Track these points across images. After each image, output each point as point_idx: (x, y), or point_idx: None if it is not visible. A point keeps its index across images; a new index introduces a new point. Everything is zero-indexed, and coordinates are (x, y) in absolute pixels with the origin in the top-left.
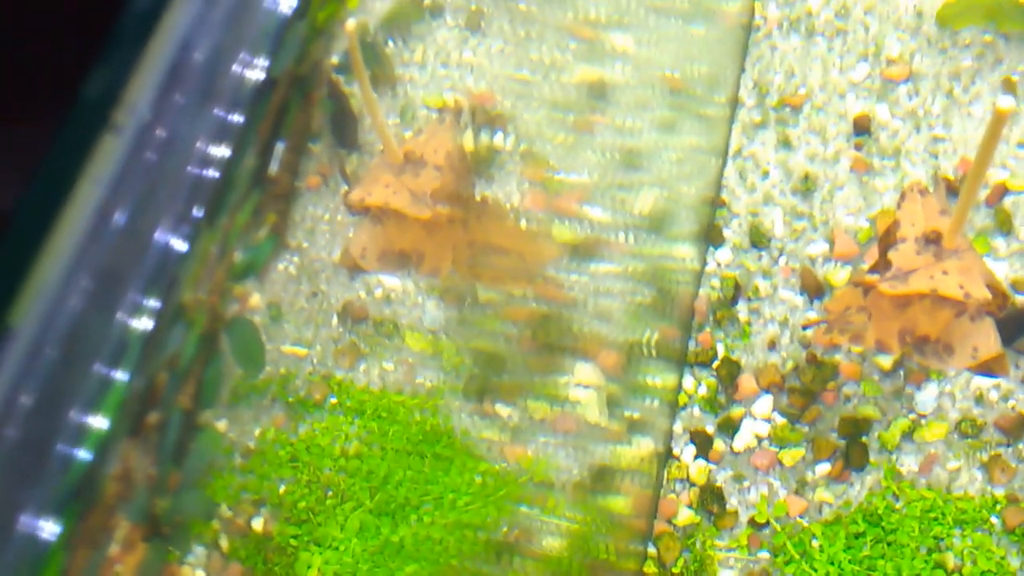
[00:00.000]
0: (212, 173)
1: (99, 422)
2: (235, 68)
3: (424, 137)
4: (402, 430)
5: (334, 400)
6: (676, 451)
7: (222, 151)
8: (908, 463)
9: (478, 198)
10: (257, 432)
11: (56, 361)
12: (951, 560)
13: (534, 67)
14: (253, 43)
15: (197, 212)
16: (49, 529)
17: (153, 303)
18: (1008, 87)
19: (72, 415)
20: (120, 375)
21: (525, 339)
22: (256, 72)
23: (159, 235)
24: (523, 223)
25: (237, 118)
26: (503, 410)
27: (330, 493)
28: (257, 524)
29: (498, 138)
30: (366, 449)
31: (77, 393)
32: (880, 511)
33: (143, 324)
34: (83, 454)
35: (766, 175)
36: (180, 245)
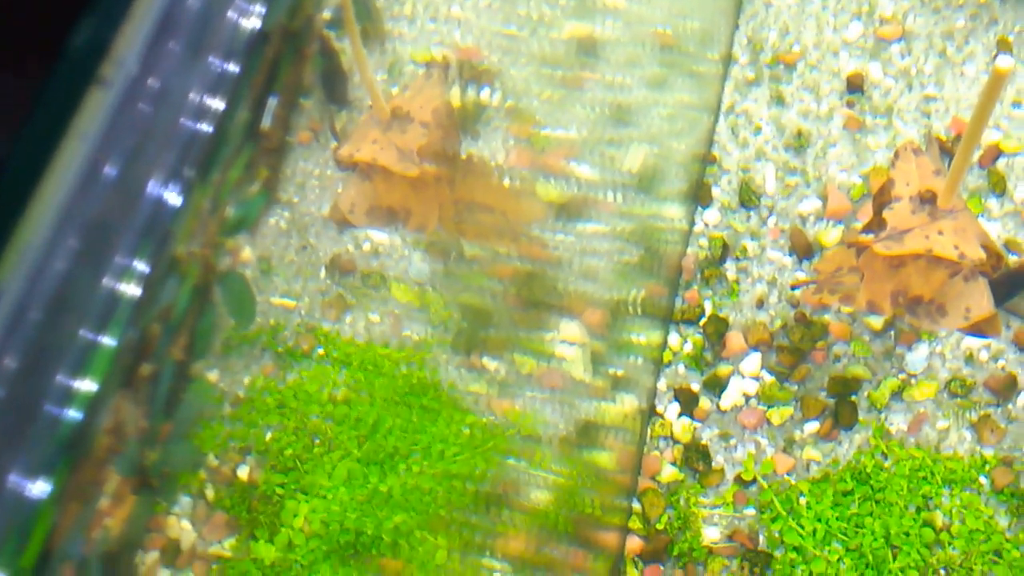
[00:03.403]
0: (205, 126)
1: (90, 377)
2: (230, 15)
3: (411, 93)
4: (388, 383)
5: (321, 351)
6: (660, 408)
7: (216, 103)
8: (897, 422)
9: (464, 156)
10: (247, 381)
11: (44, 319)
12: (939, 519)
13: (522, 22)
14: None
15: (190, 167)
16: (39, 488)
17: (146, 257)
18: (1004, 47)
19: (64, 370)
20: (112, 329)
21: (510, 295)
22: (252, 20)
23: (151, 189)
24: (508, 181)
25: (232, 68)
26: (490, 364)
27: (317, 441)
28: (243, 472)
29: (484, 94)
30: (354, 396)
31: (69, 346)
32: (868, 469)
33: (136, 278)
34: (74, 411)
35: (758, 131)
36: (173, 199)
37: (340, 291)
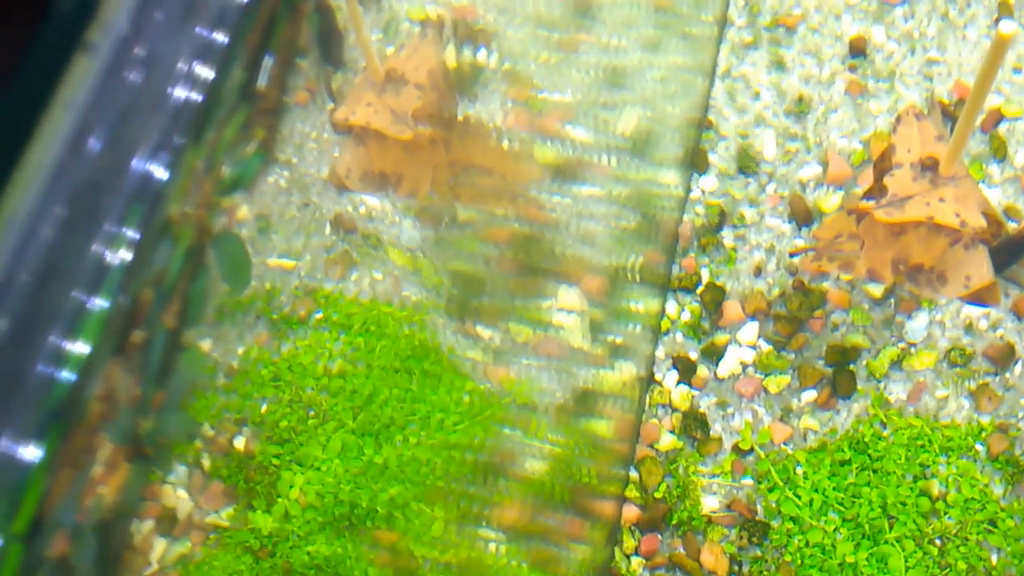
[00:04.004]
0: (198, 90)
1: (82, 340)
2: None
3: (406, 53)
4: (391, 344)
5: (319, 315)
6: (658, 376)
7: (208, 69)
8: (896, 391)
9: (460, 118)
10: (241, 351)
11: (33, 283)
12: (936, 487)
13: None
14: None
15: (183, 128)
16: (31, 452)
17: (136, 224)
18: (1005, 10)
19: (55, 333)
20: (104, 293)
21: (507, 260)
22: None
23: (142, 155)
24: (506, 143)
25: (223, 35)
26: (484, 332)
27: (312, 412)
28: (239, 443)
29: (481, 55)
30: (350, 367)
31: (59, 310)
32: (866, 439)
33: (127, 242)
34: (65, 373)
35: (757, 96)
36: (164, 163)
37: (346, 247)
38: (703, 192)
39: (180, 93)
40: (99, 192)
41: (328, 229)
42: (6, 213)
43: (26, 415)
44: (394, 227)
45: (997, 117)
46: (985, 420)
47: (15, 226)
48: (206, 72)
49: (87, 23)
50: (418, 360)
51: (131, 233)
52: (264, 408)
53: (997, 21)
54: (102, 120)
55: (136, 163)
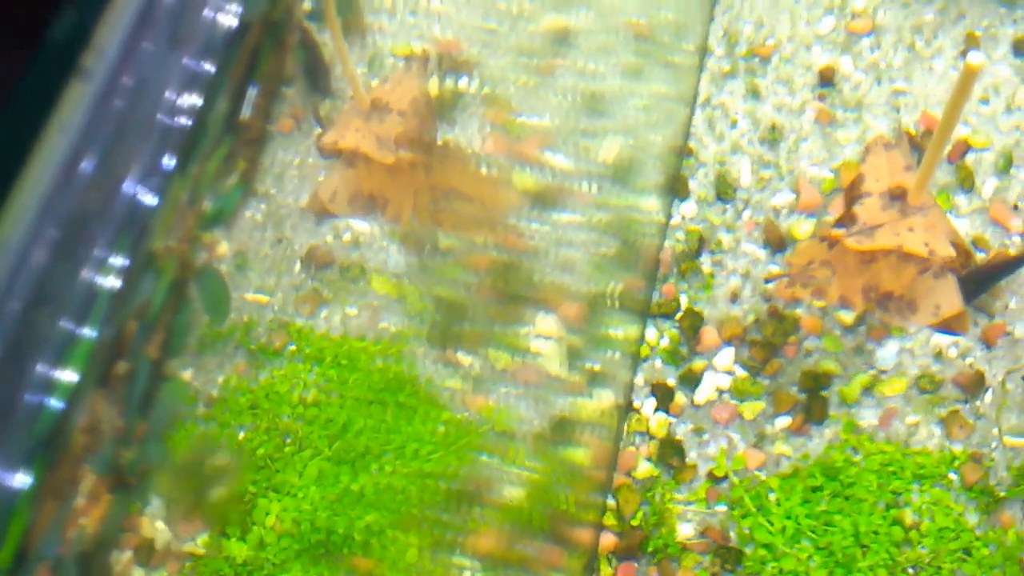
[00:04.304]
0: (184, 121)
1: (71, 368)
2: (207, 12)
3: (390, 85)
4: (363, 378)
5: (293, 347)
6: (637, 404)
7: (194, 99)
8: (867, 417)
9: (440, 142)
10: (220, 380)
11: (23, 313)
12: (909, 516)
13: (500, 16)
14: None
15: (168, 160)
16: (18, 481)
17: (123, 253)
18: (971, 42)
19: (41, 367)
20: (91, 322)
21: (486, 288)
22: (229, 18)
23: (129, 184)
24: (484, 169)
25: (210, 65)
26: (465, 359)
27: (288, 440)
28: None
29: (463, 82)
30: (324, 397)
31: (46, 344)
32: (838, 464)
33: (113, 274)
34: (53, 403)
35: (734, 124)
36: (151, 194)
37: (316, 285)
38: (683, 218)
39: (167, 121)
40: (89, 219)
41: (298, 267)
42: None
43: (14, 444)
44: (382, 252)
45: (964, 147)
46: (957, 448)
47: (8, 252)
48: (193, 100)
49: (81, 49)
50: (392, 392)
51: (120, 261)
52: (241, 436)
53: (964, 53)
54: (94, 146)
55: (125, 190)
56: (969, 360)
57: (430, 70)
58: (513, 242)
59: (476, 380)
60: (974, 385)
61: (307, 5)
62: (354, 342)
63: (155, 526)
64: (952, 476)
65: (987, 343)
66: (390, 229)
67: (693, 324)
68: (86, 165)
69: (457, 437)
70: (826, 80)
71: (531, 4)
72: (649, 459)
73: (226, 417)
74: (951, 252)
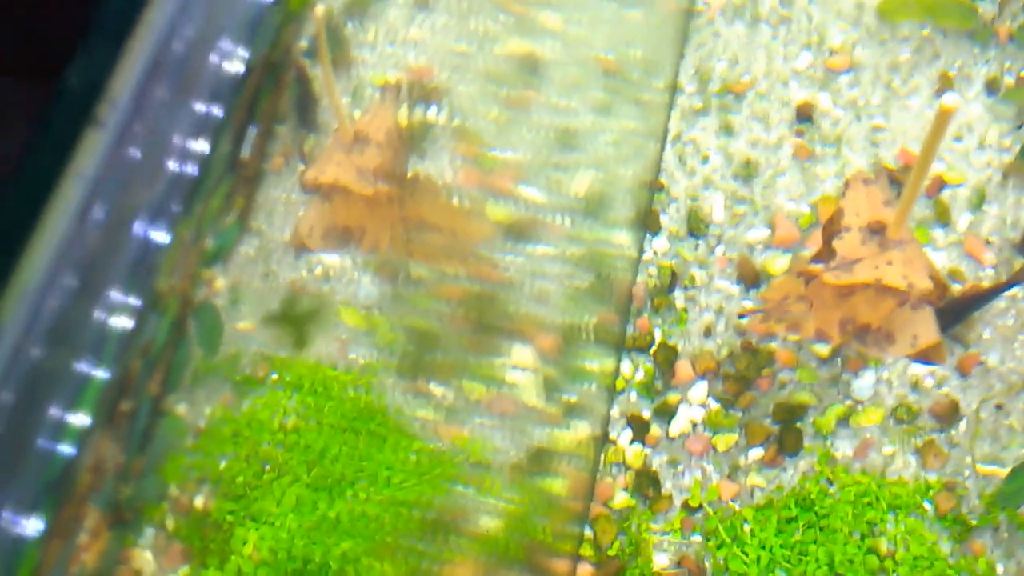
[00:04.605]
0: (191, 166)
1: (80, 417)
2: (214, 59)
3: (368, 116)
4: (337, 406)
5: (275, 376)
6: (613, 435)
7: (201, 144)
8: (843, 448)
9: (410, 175)
10: (208, 411)
11: (39, 357)
12: (884, 545)
13: (470, 38)
14: (233, 32)
15: (175, 204)
16: (31, 527)
17: (134, 294)
18: (945, 82)
19: (54, 410)
20: (102, 367)
21: (459, 318)
22: (235, 64)
23: (138, 228)
24: (456, 200)
25: (216, 111)
26: (437, 389)
27: (268, 467)
28: (199, 502)
29: (432, 112)
30: (303, 423)
31: (60, 388)
32: (813, 496)
33: (125, 315)
34: (65, 448)
35: (706, 160)
36: (159, 237)
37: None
38: (655, 253)
39: (176, 166)
40: (101, 262)
41: (281, 298)
42: (19, 287)
43: (26, 489)
44: (352, 284)
45: (940, 183)
46: (932, 478)
47: (26, 298)
48: (200, 146)
49: (96, 99)
50: (364, 421)
51: (131, 301)
52: (223, 465)
53: (939, 92)
54: (107, 192)
55: (135, 233)
56: (945, 389)
57: (401, 99)
58: (487, 273)
59: (449, 410)
60: (949, 414)
61: (303, 43)
62: (327, 370)
63: (144, 557)
64: (927, 505)
65: (962, 372)
66: (363, 261)
67: (667, 358)
68: (99, 211)
69: (431, 467)
70: (804, 116)
71: (495, 26)
72: (625, 489)
73: (211, 447)
74: (929, 285)
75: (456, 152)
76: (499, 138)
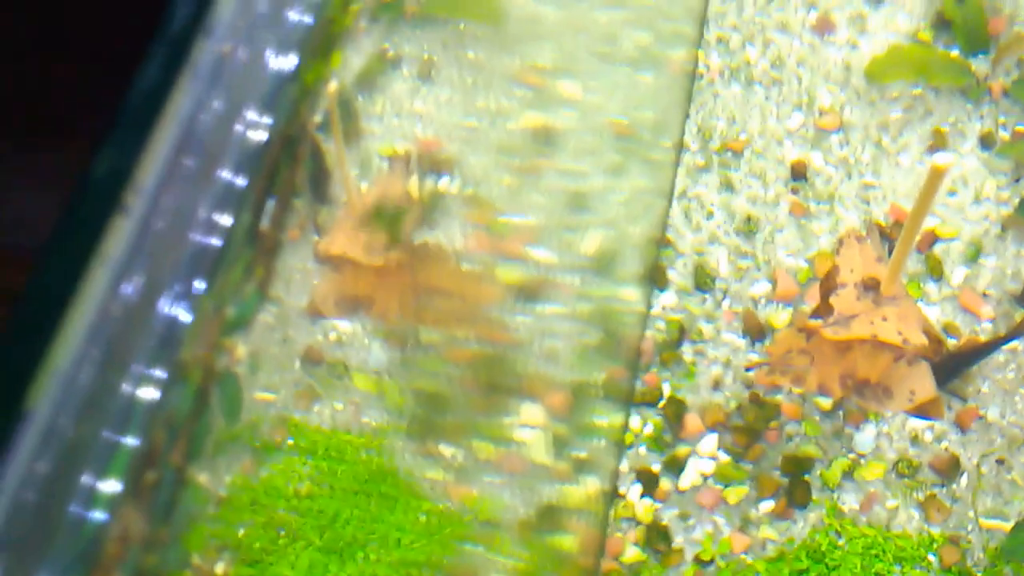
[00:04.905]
0: (215, 239)
1: (110, 484)
2: (239, 128)
3: (377, 188)
4: (350, 469)
5: (291, 441)
6: (623, 490)
7: (224, 217)
8: (849, 501)
9: (418, 242)
10: (228, 480)
11: (68, 440)
12: None
13: (480, 114)
14: (255, 105)
15: (200, 279)
16: None
17: (159, 367)
18: (939, 138)
19: (86, 476)
20: (130, 435)
21: (468, 380)
22: (259, 133)
23: (164, 304)
24: (467, 265)
25: (241, 181)
26: (447, 450)
27: (283, 532)
28: (219, 569)
29: (443, 182)
30: (317, 488)
31: (88, 463)
32: (823, 548)
33: (151, 386)
34: (97, 515)
35: (711, 216)
36: (184, 313)
37: (311, 381)
38: (663, 308)
39: (201, 240)
40: (128, 339)
41: (298, 364)
42: (53, 366)
43: (56, 562)
44: (363, 350)
45: (932, 238)
46: (935, 531)
47: (59, 376)
48: (224, 219)
49: (123, 187)
50: (376, 483)
51: (157, 374)
52: (241, 532)
53: (931, 148)
54: (134, 273)
55: (161, 309)
56: (944, 444)
57: (411, 169)
58: (497, 335)
59: (459, 471)
60: (950, 469)
61: (317, 118)
62: (341, 435)
63: None
64: (931, 558)
65: (961, 427)
66: (372, 327)
67: (676, 411)
68: (126, 290)
69: (440, 527)
70: (798, 174)
71: (509, 103)
72: (636, 544)
73: (230, 515)
74: (923, 340)
75: (468, 219)
76: (511, 204)
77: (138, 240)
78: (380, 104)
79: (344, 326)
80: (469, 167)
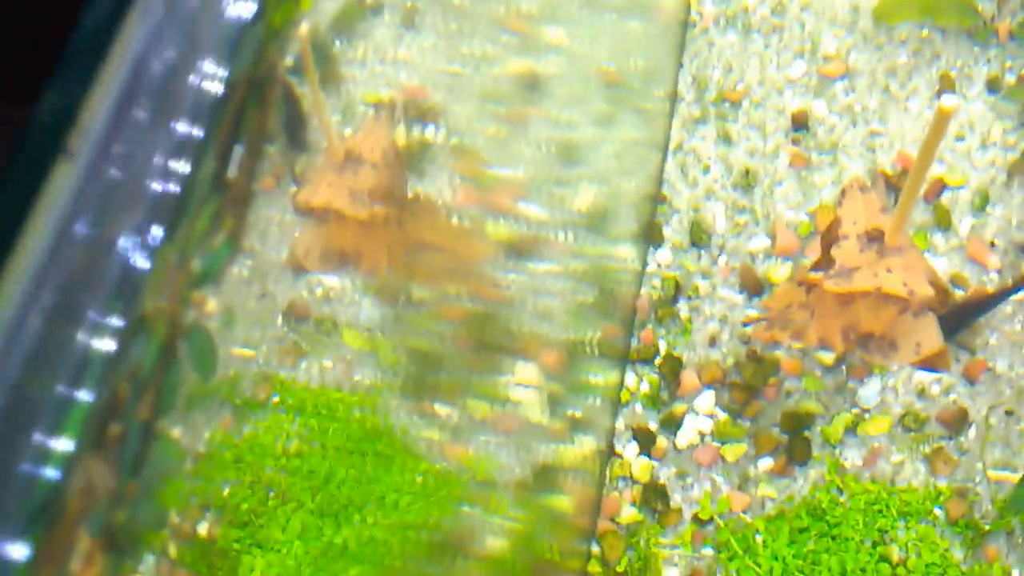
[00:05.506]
0: (173, 187)
1: (64, 442)
2: (193, 79)
3: (361, 135)
4: (342, 428)
5: (276, 399)
6: (619, 449)
7: (182, 165)
8: (852, 457)
9: (410, 195)
10: (207, 435)
11: (19, 382)
12: (895, 553)
13: (465, 60)
14: (213, 51)
15: (158, 226)
16: (17, 552)
17: (117, 316)
18: (946, 82)
19: (37, 433)
20: (85, 389)
21: (462, 338)
22: (215, 83)
23: (120, 250)
24: (456, 220)
25: (197, 131)
26: (442, 409)
27: (272, 494)
28: (202, 528)
29: (429, 131)
30: (307, 447)
31: (43, 412)
32: (824, 505)
33: (110, 334)
34: (49, 472)
35: (707, 170)
36: (142, 260)
37: (296, 338)
38: (659, 265)
39: (157, 187)
40: (82, 284)
41: (280, 320)
42: None
43: (10, 515)
44: (353, 306)
45: (940, 186)
46: (942, 484)
47: (3, 323)
48: (182, 166)
49: (67, 130)
50: (371, 442)
51: (114, 322)
52: (226, 491)
53: (939, 93)
54: (85, 215)
55: (117, 254)
56: (952, 397)
57: (397, 117)
58: (489, 292)
59: (454, 430)
60: (957, 421)
61: (289, 60)
62: (332, 393)
63: None
64: (937, 512)
65: (969, 379)
66: (363, 283)
67: (673, 369)
68: (78, 231)
69: (437, 488)
70: (799, 124)
71: (494, 48)
72: (633, 504)
73: (212, 472)
74: (930, 291)
75: (455, 171)
76: (498, 155)
77: (86, 185)
78: (361, 50)
79: (331, 281)
80: (455, 116)
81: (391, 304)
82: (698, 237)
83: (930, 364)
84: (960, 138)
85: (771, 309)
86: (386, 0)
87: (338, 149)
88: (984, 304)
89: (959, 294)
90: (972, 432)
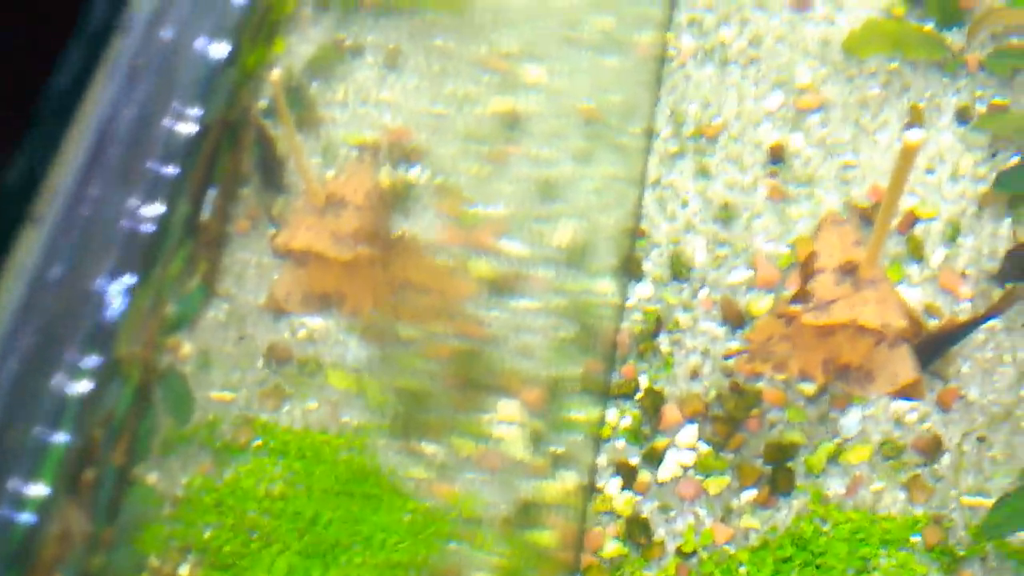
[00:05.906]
0: (147, 228)
1: (39, 488)
2: (167, 122)
3: (344, 177)
4: (329, 469)
5: (259, 442)
6: (601, 484)
7: (155, 209)
8: (834, 486)
9: (395, 235)
10: (185, 480)
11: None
12: None
13: (448, 101)
14: (185, 94)
15: (132, 270)
16: None
17: (91, 361)
18: (915, 114)
19: (13, 478)
20: (61, 434)
21: (447, 376)
22: (188, 125)
23: (95, 296)
24: (440, 259)
25: (170, 173)
26: (428, 448)
27: (255, 536)
28: (184, 571)
29: (414, 172)
30: (291, 490)
31: (18, 458)
32: (807, 535)
33: (82, 386)
34: (25, 518)
35: (686, 204)
36: (116, 304)
37: (277, 380)
38: (639, 299)
39: (129, 231)
40: (57, 334)
41: (260, 363)
42: None
43: None
44: (339, 347)
45: (912, 219)
46: (919, 512)
47: None
48: (154, 210)
49: (34, 196)
50: (358, 483)
51: (89, 366)
52: (207, 534)
53: (909, 125)
54: (52, 278)
55: (91, 300)
56: (927, 424)
57: (381, 159)
58: (472, 330)
59: (441, 468)
60: (933, 449)
61: (262, 103)
62: (316, 435)
63: None
64: (915, 539)
65: (943, 407)
66: (347, 324)
67: (654, 403)
68: (46, 295)
69: (424, 526)
70: (776, 157)
71: (476, 88)
72: (616, 538)
73: (191, 516)
74: (903, 323)
75: (439, 210)
76: (480, 193)
77: (55, 244)
78: (342, 92)
79: (314, 322)
80: (438, 156)
81: (378, 344)
82: (678, 271)
83: (906, 393)
84: (930, 170)
85: (753, 341)
86: (368, 42)
87: (318, 191)
88: (956, 333)
89: (932, 323)
90: (946, 459)
